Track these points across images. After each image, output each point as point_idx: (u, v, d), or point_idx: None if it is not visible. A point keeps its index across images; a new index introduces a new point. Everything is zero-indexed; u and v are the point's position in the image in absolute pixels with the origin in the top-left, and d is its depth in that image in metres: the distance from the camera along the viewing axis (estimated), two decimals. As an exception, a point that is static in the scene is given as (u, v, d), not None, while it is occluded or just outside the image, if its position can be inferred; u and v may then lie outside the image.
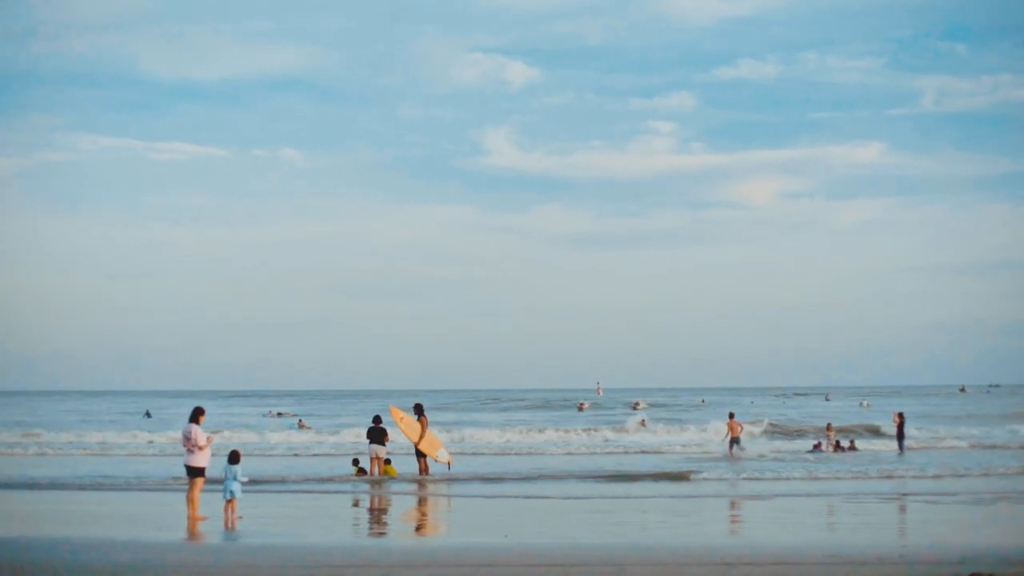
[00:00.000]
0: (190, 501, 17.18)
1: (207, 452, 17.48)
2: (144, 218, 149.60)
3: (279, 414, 77.78)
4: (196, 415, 17.58)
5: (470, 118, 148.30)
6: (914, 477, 25.51)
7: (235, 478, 16.74)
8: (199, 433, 17.40)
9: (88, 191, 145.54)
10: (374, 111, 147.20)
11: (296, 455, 35.14)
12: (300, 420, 64.31)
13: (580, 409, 74.92)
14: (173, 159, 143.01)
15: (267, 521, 17.02)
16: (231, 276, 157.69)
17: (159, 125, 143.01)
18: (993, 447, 37.21)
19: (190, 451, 17.36)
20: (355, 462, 26.88)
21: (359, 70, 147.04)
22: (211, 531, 15.78)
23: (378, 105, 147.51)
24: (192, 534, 15.74)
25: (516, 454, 35.09)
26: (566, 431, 45.63)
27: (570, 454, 34.57)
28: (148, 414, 75.22)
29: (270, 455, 34.71)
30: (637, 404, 78.07)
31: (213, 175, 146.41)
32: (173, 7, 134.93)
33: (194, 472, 17.29)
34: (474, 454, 34.33)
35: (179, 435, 17.64)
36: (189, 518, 16.91)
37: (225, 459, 17.30)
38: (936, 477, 25.37)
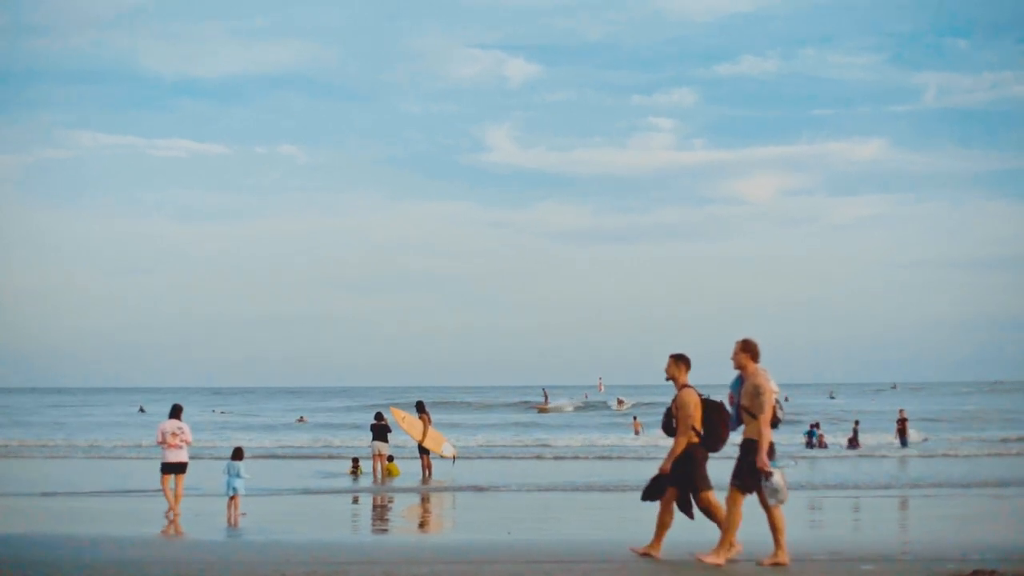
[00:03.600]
0: (177, 498, 17.39)
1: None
2: (144, 215, 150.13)
3: (215, 410, 79.02)
4: (178, 411, 17.89)
5: (470, 114, 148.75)
6: (916, 474, 25.53)
7: (238, 475, 16.77)
8: (188, 429, 17.79)
9: (88, 188, 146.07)
10: (374, 107, 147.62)
11: (296, 456, 35.18)
12: (301, 416, 64.51)
13: (542, 409, 71.38)
14: (173, 156, 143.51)
15: (269, 518, 17.05)
16: (230, 273, 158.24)
17: (159, 122, 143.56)
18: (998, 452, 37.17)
19: (179, 447, 17.58)
20: (355, 461, 26.83)
21: (358, 66, 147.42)
22: (214, 528, 15.80)
23: (378, 101, 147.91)
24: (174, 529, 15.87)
25: (519, 458, 35.00)
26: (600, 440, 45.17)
27: (577, 458, 33.89)
28: (142, 409, 75.51)
29: (269, 457, 34.74)
30: (621, 402, 75.36)
31: (213, 172, 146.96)
32: (173, 4, 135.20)
33: (183, 468, 17.57)
34: (475, 458, 34.26)
35: (168, 431, 17.71)
36: (171, 511, 17.12)
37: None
38: (937, 475, 25.38)
